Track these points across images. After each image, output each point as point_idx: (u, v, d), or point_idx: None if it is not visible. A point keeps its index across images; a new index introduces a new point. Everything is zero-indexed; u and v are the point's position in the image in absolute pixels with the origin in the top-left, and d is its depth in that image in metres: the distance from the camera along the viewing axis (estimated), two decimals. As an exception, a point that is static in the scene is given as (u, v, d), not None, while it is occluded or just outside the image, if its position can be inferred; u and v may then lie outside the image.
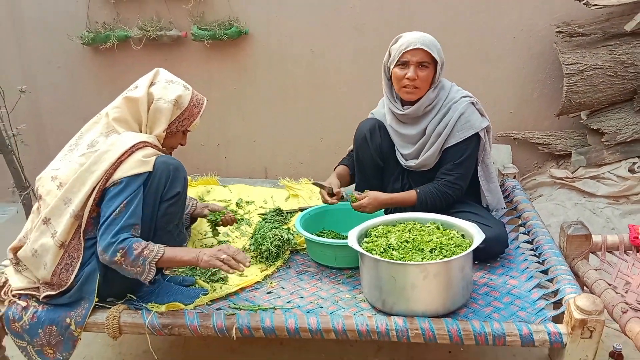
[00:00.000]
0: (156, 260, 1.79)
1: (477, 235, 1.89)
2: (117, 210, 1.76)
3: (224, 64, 3.45)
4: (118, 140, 1.83)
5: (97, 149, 1.83)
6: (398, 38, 2.23)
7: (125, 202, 1.76)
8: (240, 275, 2.16)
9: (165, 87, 1.93)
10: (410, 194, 2.28)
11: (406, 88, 2.20)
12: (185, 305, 1.91)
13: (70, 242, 1.81)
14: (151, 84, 1.93)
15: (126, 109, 1.90)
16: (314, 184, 2.41)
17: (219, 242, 2.46)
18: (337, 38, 3.35)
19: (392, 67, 2.22)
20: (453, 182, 2.25)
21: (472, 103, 2.25)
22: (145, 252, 1.77)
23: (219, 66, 3.46)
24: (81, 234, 1.82)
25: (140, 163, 1.80)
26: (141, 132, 1.92)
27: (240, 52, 3.42)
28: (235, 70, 3.47)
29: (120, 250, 1.74)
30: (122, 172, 1.79)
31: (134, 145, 1.81)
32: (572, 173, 3.22)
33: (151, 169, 1.83)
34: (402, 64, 2.18)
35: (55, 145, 2.97)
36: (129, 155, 1.80)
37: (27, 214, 3.02)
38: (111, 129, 1.89)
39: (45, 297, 1.85)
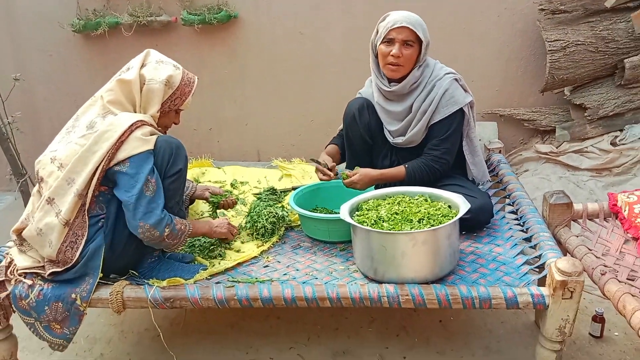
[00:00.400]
0: (189, 233, 1.97)
1: (463, 206, 1.95)
2: (150, 188, 1.84)
3: (214, 48, 3.48)
4: (116, 120, 1.87)
5: (97, 129, 1.86)
6: (386, 16, 2.27)
7: (154, 180, 1.85)
8: (238, 251, 2.23)
9: (156, 67, 1.98)
10: (400, 170, 2.34)
11: (390, 65, 2.25)
12: (186, 280, 1.97)
13: (74, 220, 1.86)
14: (142, 66, 1.98)
15: (120, 91, 1.95)
16: (312, 160, 2.47)
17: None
18: (326, 20, 3.37)
19: (378, 44, 2.27)
20: (440, 156, 2.32)
21: (456, 79, 2.30)
22: (181, 226, 1.94)
23: (209, 50, 3.48)
24: (85, 212, 1.87)
25: (143, 142, 1.86)
26: (136, 112, 1.96)
27: (230, 35, 3.44)
28: (225, 54, 3.49)
29: (168, 226, 1.87)
30: (127, 151, 1.84)
31: (132, 125, 1.86)
32: (556, 148, 3.28)
33: (153, 147, 1.89)
34: (388, 41, 2.23)
35: (49, 132, 3.00)
36: (129, 134, 1.85)
37: (25, 201, 3.06)
38: (107, 111, 1.93)
39: (50, 274, 1.89)
